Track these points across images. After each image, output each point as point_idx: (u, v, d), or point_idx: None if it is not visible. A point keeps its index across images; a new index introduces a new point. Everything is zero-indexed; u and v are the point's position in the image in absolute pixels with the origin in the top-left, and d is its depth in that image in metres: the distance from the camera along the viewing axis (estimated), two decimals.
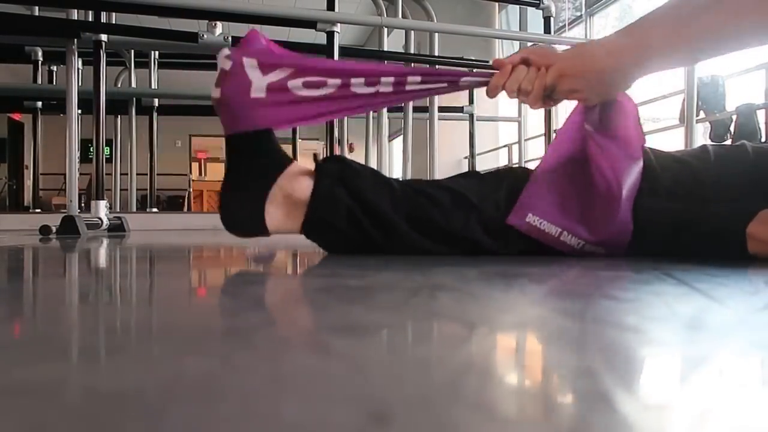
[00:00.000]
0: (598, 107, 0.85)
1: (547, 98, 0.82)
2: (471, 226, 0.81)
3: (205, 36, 1.94)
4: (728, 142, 3.63)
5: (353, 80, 0.83)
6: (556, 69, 0.79)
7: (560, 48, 1.25)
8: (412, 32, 2.38)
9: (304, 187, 0.83)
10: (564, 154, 0.85)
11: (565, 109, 0.91)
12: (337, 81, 0.82)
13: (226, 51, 0.81)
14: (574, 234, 0.79)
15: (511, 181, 0.87)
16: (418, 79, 0.86)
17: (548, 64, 0.80)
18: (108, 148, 2.77)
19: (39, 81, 2.81)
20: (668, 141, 3.77)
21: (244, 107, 0.80)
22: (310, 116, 0.84)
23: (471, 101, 3.31)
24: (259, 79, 0.79)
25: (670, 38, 0.74)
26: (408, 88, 0.86)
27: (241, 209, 0.83)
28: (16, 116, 7.86)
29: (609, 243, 0.79)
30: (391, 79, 0.84)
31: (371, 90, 0.84)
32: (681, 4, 0.79)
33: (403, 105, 2.31)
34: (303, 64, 0.81)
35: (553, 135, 2.94)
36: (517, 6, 5.12)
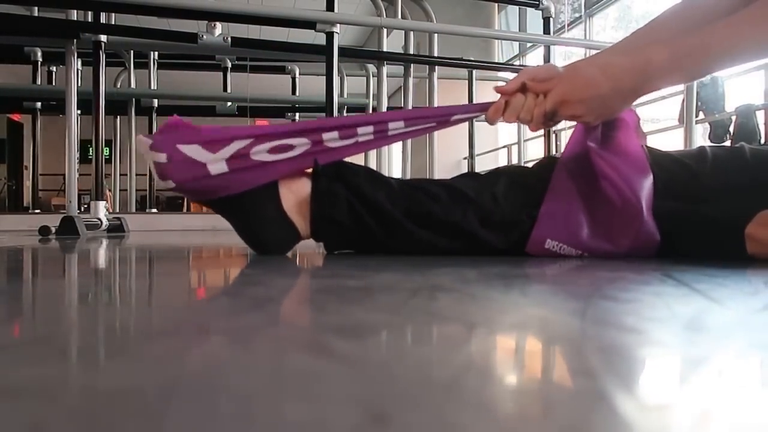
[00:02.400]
0: (599, 126, 0.84)
1: (548, 121, 0.81)
2: (469, 218, 0.81)
3: (205, 36, 1.94)
4: (728, 142, 3.64)
5: (325, 135, 0.82)
6: (556, 95, 0.78)
7: (559, 50, 1.25)
8: (412, 33, 2.38)
9: (305, 186, 0.83)
10: (572, 171, 0.84)
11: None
12: (305, 140, 0.81)
13: (146, 141, 0.76)
14: (597, 251, 0.78)
15: (508, 175, 0.87)
16: (401, 123, 0.85)
17: (546, 90, 0.79)
18: (107, 148, 2.78)
19: (38, 81, 2.81)
20: (667, 142, 3.77)
21: (209, 185, 0.78)
22: (286, 172, 0.82)
23: (470, 102, 3.31)
24: (212, 157, 0.77)
25: (669, 59, 0.74)
26: (391, 133, 0.85)
27: (264, 223, 0.83)
28: (16, 117, 7.85)
29: (635, 252, 0.78)
30: (370, 128, 0.84)
31: (349, 141, 0.84)
32: (674, 20, 0.79)
33: (402, 105, 2.31)
34: (258, 133, 0.79)
35: (552, 135, 2.94)
36: (517, 7, 5.13)
